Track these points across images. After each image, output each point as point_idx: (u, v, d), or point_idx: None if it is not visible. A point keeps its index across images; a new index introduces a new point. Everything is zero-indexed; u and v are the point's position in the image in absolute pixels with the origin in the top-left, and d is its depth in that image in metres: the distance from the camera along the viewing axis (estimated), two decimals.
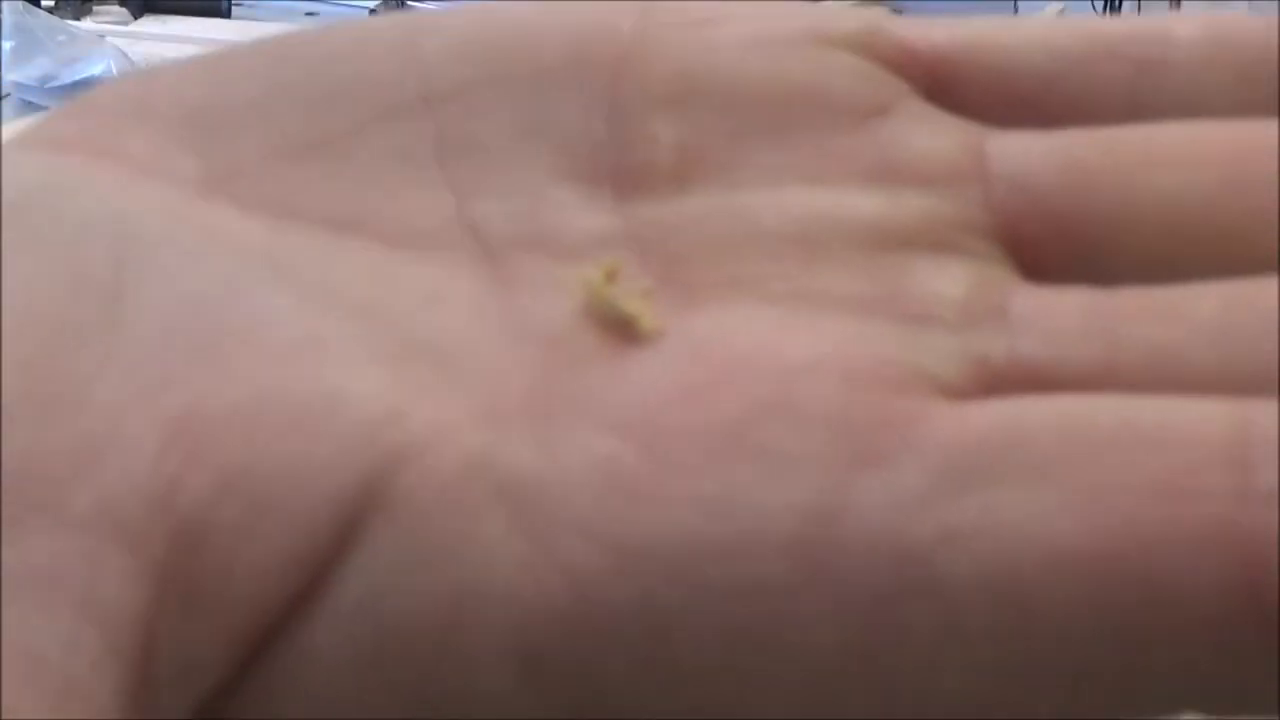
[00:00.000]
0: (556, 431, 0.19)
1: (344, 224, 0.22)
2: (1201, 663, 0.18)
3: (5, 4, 1.62)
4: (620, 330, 0.20)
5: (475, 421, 0.19)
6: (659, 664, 0.18)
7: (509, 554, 0.18)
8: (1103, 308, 0.21)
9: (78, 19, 1.83)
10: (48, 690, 0.17)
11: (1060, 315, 0.20)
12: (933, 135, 0.22)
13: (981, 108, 0.22)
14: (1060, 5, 1.89)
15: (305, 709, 0.19)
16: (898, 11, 1.97)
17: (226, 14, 1.98)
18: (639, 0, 0.23)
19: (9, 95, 1.59)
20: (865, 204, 0.21)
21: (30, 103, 1.57)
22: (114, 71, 1.57)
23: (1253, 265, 0.21)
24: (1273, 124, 0.22)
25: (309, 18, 2.00)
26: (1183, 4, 2.00)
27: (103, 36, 1.68)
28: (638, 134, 0.22)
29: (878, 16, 0.23)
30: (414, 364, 0.20)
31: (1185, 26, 0.23)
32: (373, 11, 1.99)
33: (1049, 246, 0.21)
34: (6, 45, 1.60)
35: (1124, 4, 2.00)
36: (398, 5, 2.02)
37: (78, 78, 1.57)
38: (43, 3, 1.81)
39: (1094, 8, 1.98)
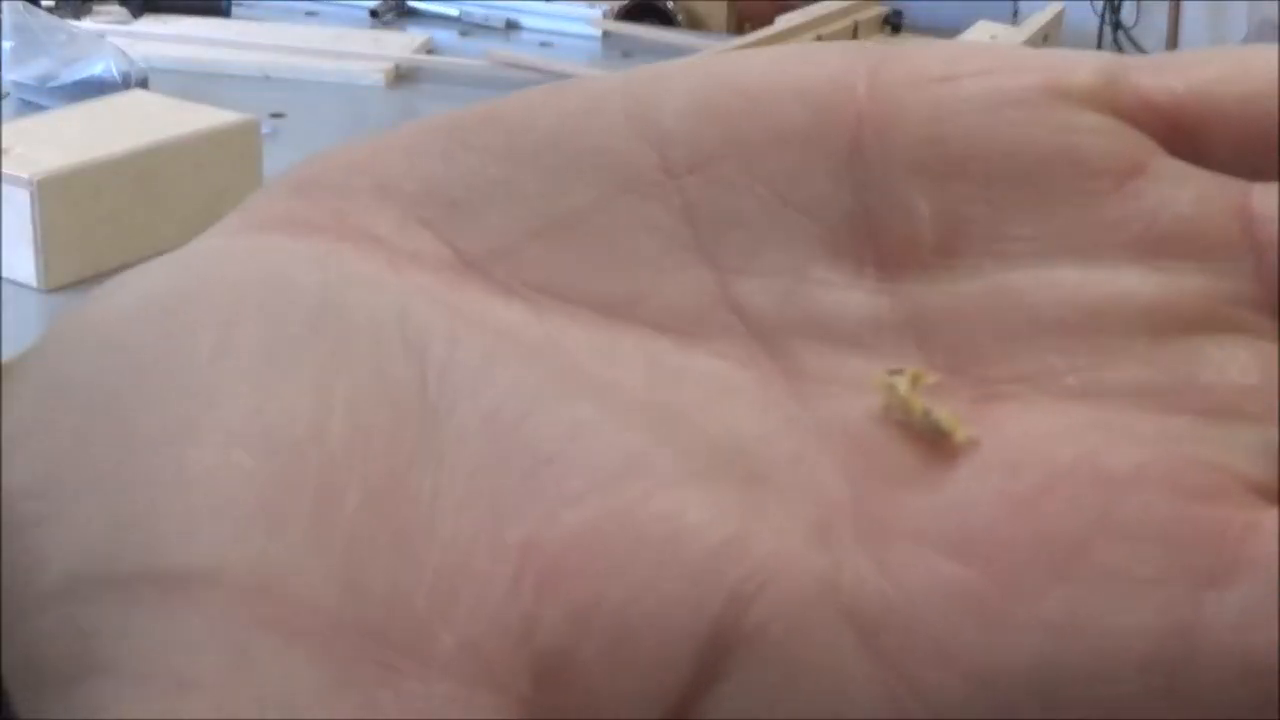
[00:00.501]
0: (893, 552, 0.20)
1: (609, 307, 0.22)
2: None
3: (5, 4, 1.62)
4: (932, 440, 0.21)
5: (810, 543, 0.20)
6: None
7: (865, 679, 0.19)
8: None
9: (78, 19, 1.83)
10: None
11: None
12: (1196, 199, 0.22)
13: (1226, 157, 0.22)
14: (1060, 5, 1.89)
15: None
16: (897, 12, 1.97)
17: (226, 13, 1.98)
18: (866, 54, 0.23)
19: (9, 95, 1.59)
20: (1141, 286, 0.21)
21: (30, 102, 1.57)
22: (114, 71, 1.57)
23: None
24: None
25: (309, 17, 2.00)
26: (1183, 4, 2.00)
27: (103, 36, 1.68)
28: (893, 205, 0.22)
29: (1111, 65, 0.23)
30: (731, 479, 0.20)
31: None
32: (373, 13, 1.99)
33: None
34: (6, 45, 1.59)
35: (1124, 4, 2.00)
36: (398, 5, 2.01)
37: (78, 78, 1.57)
38: (43, 3, 1.80)
39: (1094, 8, 1.98)
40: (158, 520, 0.18)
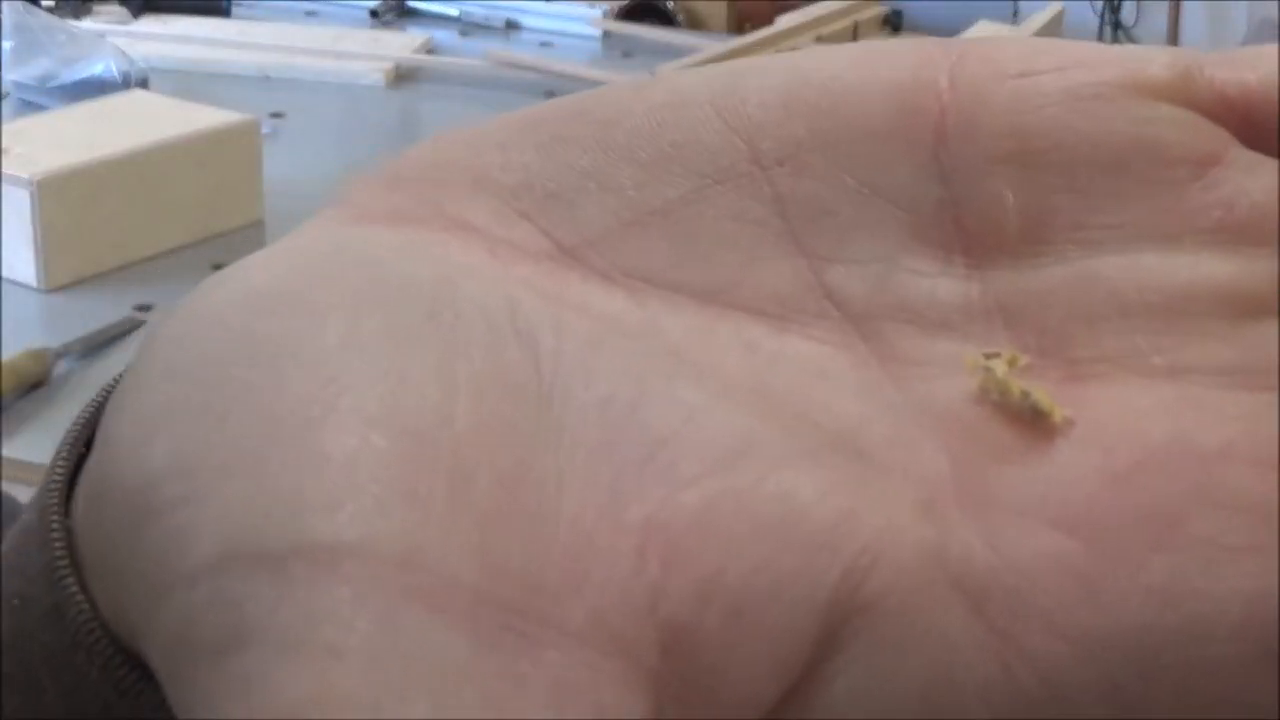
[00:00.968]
0: (998, 525, 0.21)
1: (705, 294, 0.23)
2: None
3: (5, 4, 1.62)
4: (1029, 419, 0.22)
5: (918, 518, 0.21)
6: None
7: (974, 644, 0.20)
8: None
9: (78, 19, 1.83)
10: None
11: None
12: (1269, 188, 0.23)
13: None
14: (1060, 5, 1.89)
15: None
16: (897, 12, 1.97)
17: (226, 13, 1.98)
18: (945, 49, 0.24)
19: (9, 95, 1.59)
20: (1221, 269, 0.22)
21: (30, 102, 1.57)
22: (114, 71, 1.57)
23: None
24: None
25: (309, 17, 2.00)
26: (1183, 4, 2.00)
27: (103, 36, 1.68)
28: (980, 194, 0.23)
29: (1185, 59, 0.24)
30: (837, 457, 0.21)
31: None
32: (373, 13, 1.99)
33: None
34: (6, 45, 1.59)
35: (1123, 4, 2.00)
36: (398, 5, 2.01)
37: (78, 77, 1.57)
38: (43, 3, 1.80)
39: (1093, 8, 1.98)
40: (303, 499, 0.19)
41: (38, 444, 1.01)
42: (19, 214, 1.21)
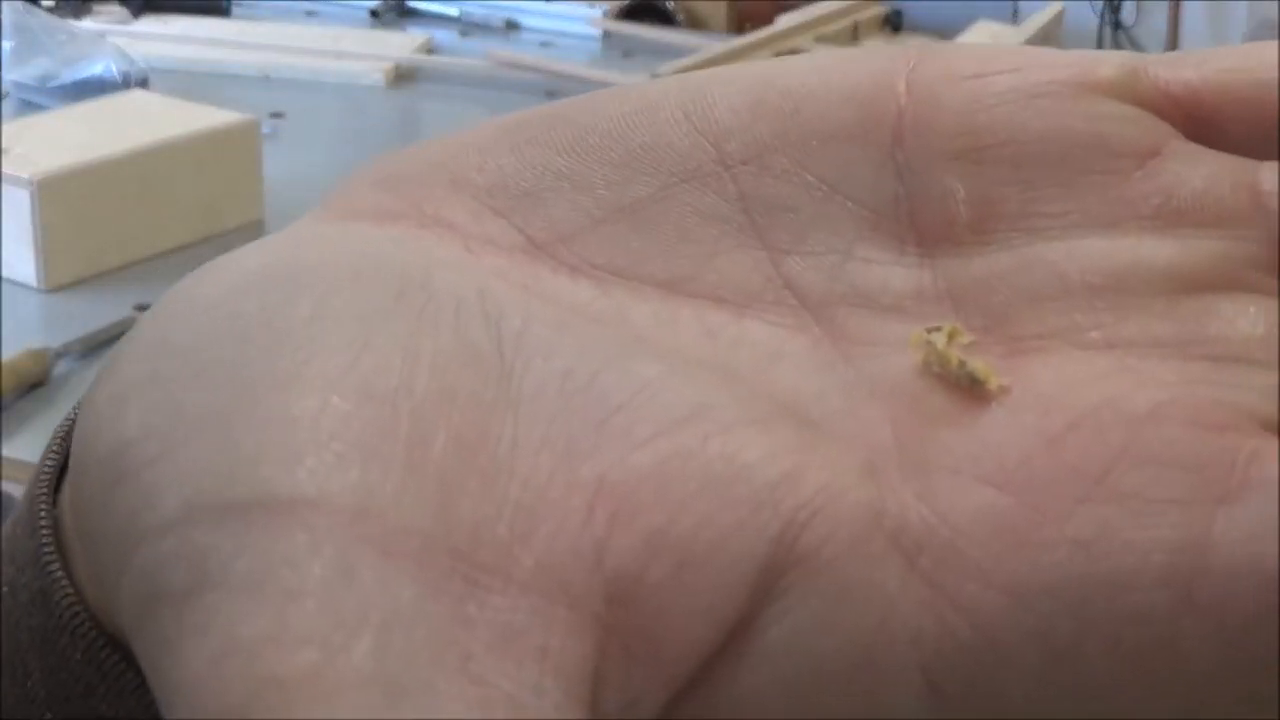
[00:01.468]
0: (934, 484, 0.22)
1: (669, 284, 0.24)
2: None
3: (5, 4, 1.62)
4: (968, 388, 0.23)
5: (858, 477, 0.22)
6: (1055, 688, 0.21)
7: (910, 597, 0.21)
8: None
9: (78, 19, 1.83)
10: None
11: None
12: (1208, 175, 0.24)
13: (1239, 140, 0.24)
14: (1060, 5, 1.89)
15: None
16: (897, 12, 1.97)
17: (226, 13, 1.98)
18: (904, 55, 0.25)
19: (9, 95, 1.59)
20: (1160, 251, 0.24)
21: (30, 102, 1.57)
22: (114, 71, 1.57)
23: None
24: None
25: (309, 17, 2.00)
26: (1183, 4, 2.00)
27: (103, 36, 1.68)
28: (933, 189, 0.24)
29: (1132, 60, 0.25)
30: (785, 425, 0.22)
31: None
32: (373, 13, 1.99)
33: None
34: (6, 45, 1.59)
35: (1124, 4, 2.00)
36: (398, 5, 2.02)
37: (78, 77, 1.57)
38: (43, 3, 1.80)
39: (1093, 8, 1.98)
40: (265, 454, 0.20)
41: (38, 444, 1.01)
42: (19, 214, 1.21)
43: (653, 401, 0.22)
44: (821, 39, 1.79)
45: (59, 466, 0.25)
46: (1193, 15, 2.01)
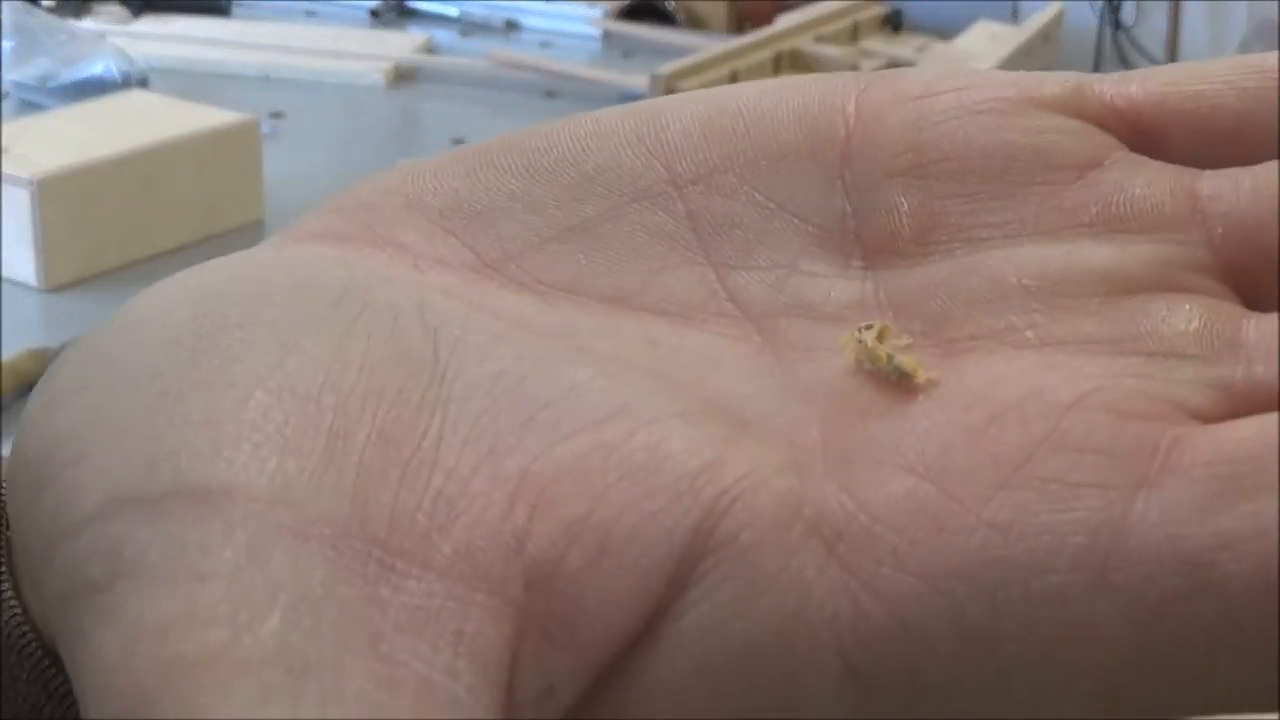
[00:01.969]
0: (855, 474, 0.22)
1: (613, 299, 0.24)
2: None
3: (5, 4, 1.62)
4: (897, 383, 0.23)
5: (781, 469, 0.22)
6: (972, 670, 0.21)
7: (828, 583, 0.21)
8: None
9: (78, 19, 1.83)
10: (436, 709, 0.20)
11: None
12: (1148, 183, 0.24)
13: (1184, 151, 0.24)
14: (1060, 5, 1.89)
15: None
16: (897, 12, 1.97)
17: (226, 13, 1.98)
18: (853, 79, 0.26)
19: (9, 95, 1.59)
20: (1097, 254, 0.24)
21: (30, 102, 1.57)
22: (114, 71, 1.57)
23: None
24: None
25: (309, 17, 2.00)
26: (1183, 4, 2.00)
27: (103, 36, 1.68)
28: (878, 205, 0.25)
29: (1077, 77, 0.25)
30: (713, 422, 0.22)
31: None
32: (373, 13, 1.99)
33: (1267, 277, 0.23)
34: (6, 45, 1.60)
35: (1123, 4, 2.00)
36: (398, 5, 2.02)
37: (78, 77, 1.57)
38: (43, 3, 1.80)
39: (1093, 8, 1.98)
40: (185, 447, 0.21)
41: None
42: (19, 214, 1.21)
43: (580, 400, 0.22)
44: (821, 39, 1.79)
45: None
46: (1193, 15, 2.01)
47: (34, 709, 0.24)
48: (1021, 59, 1.71)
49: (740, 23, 2.01)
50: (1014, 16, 1.96)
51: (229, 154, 1.34)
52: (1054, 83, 0.25)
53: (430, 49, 1.88)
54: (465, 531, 0.21)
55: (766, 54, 1.71)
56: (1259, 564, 0.20)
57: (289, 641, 0.19)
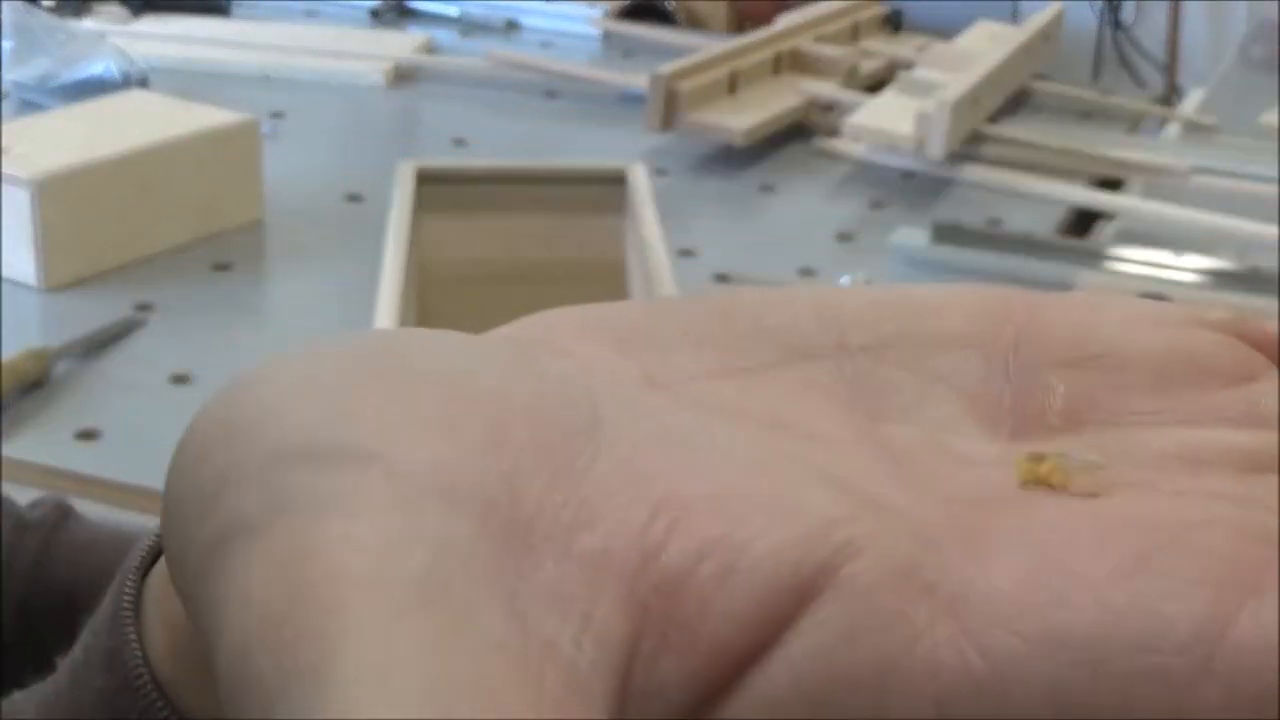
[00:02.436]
0: (980, 548, 0.23)
1: (765, 423, 0.26)
2: None
3: (5, 4, 1.62)
4: (1055, 488, 0.24)
5: (909, 536, 0.23)
6: None
7: (936, 634, 0.22)
8: None
9: (78, 19, 1.83)
10: (558, 672, 0.21)
11: None
12: None
13: None
14: (1060, 5, 1.89)
15: None
16: (897, 12, 1.97)
17: (226, 13, 1.98)
18: (1022, 293, 0.28)
19: (9, 95, 1.59)
20: (1237, 437, 0.26)
21: (30, 102, 1.57)
22: (114, 71, 1.57)
23: None
24: None
25: (309, 17, 2.00)
26: (1183, 4, 2.00)
27: (103, 36, 1.68)
28: (1034, 385, 0.26)
29: (1242, 310, 0.27)
30: (850, 495, 0.24)
31: None
32: (373, 13, 1.99)
33: None
34: (6, 45, 1.59)
35: (1123, 4, 2.00)
36: (398, 5, 2.01)
37: (78, 77, 1.57)
38: (43, 3, 1.80)
39: (1093, 8, 1.98)
40: (355, 416, 0.23)
41: (38, 444, 1.01)
42: (19, 214, 1.21)
43: (730, 452, 0.24)
44: (821, 39, 1.79)
45: (155, 548, 0.27)
46: (1193, 15, 2.01)
47: None
48: (1021, 59, 1.71)
49: (740, 23, 2.00)
50: (1014, 16, 1.96)
51: (229, 154, 1.34)
52: (1220, 309, 0.27)
53: (430, 49, 1.87)
54: (606, 533, 0.22)
55: (766, 54, 1.70)
56: None
57: (430, 574, 0.21)
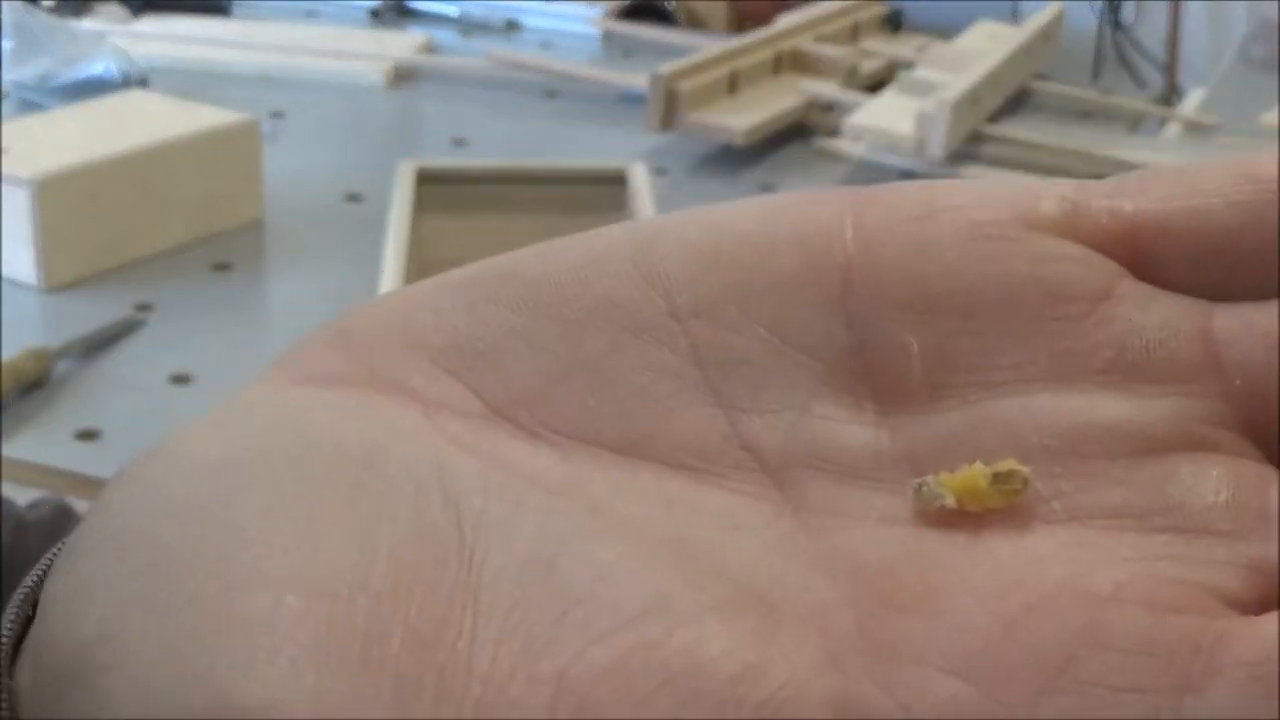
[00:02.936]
0: (897, 675, 0.21)
1: (626, 447, 0.24)
2: None
3: (5, 4, 1.62)
4: (946, 520, 0.23)
5: (820, 668, 0.22)
6: None
7: None
8: None
9: (78, 18, 1.83)
10: None
11: None
12: (1161, 325, 0.24)
13: (1184, 273, 0.24)
14: (1060, 5, 1.89)
15: None
16: (897, 12, 1.97)
17: (226, 13, 1.98)
18: (852, 198, 0.25)
19: (9, 95, 1.59)
20: (1116, 410, 0.23)
21: (30, 102, 1.57)
22: (114, 71, 1.57)
23: None
24: None
25: (309, 17, 2.00)
26: (1183, 4, 2.00)
27: (103, 36, 1.68)
28: (885, 343, 0.24)
29: (1072, 193, 0.25)
30: (746, 614, 0.22)
31: None
32: (373, 13, 1.99)
33: None
34: (6, 45, 1.59)
35: (1124, 4, 2.00)
36: (398, 5, 2.01)
37: (78, 78, 1.57)
38: (43, 3, 1.80)
39: (1093, 8, 1.98)
40: (220, 661, 0.21)
41: (38, 444, 1.01)
42: (19, 214, 1.21)
43: (612, 591, 0.22)
44: (821, 39, 1.79)
45: (17, 636, 0.25)
46: (1193, 15, 2.01)
47: None
48: (1021, 59, 1.71)
49: (740, 23, 2.00)
50: (1014, 16, 1.96)
51: (229, 154, 1.34)
52: (1050, 201, 0.24)
53: (430, 49, 1.87)
54: None
55: (766, 54, 1.70)
56: None
57: None
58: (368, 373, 0.24)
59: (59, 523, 0.67)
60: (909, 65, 1.75)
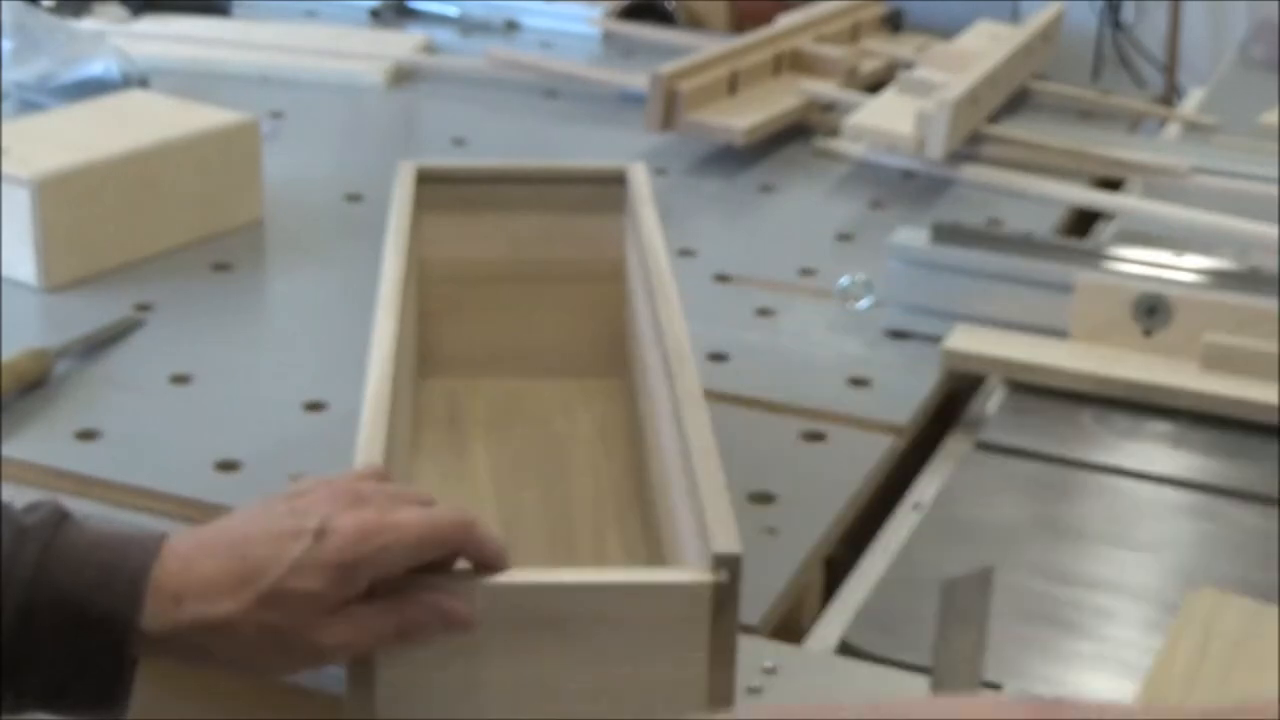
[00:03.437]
0: None
1: None
2: None
3: (5, 4, 1.62)
4: None
5: None
6: None
7: None
8: None
9: (78, 18, 1.83)
10: None
11: None
12: None
13: None
14: (1060, 5, 1.89)
15: None
16: (897, 12, 1.97)
17: (226, 13, 1.98)
18: None
19: (9, 95, 1.59)
20: None
21: (30, 102, 1.57)
22: (114, 71, 1.57)
23: None
24: None
25: (309, 17, 2.00)
26: (1183, 4, 2.00)
27: (103, 36, 1.68)
28: None
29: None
30: None
31: None
32: (373, 13, 1.99)
33: None
34: (6, 45, 1.59)
35: (1123, 4, 2.00)
36: (398, 5, 2.01)
37: (78, 78, 1.57)
38: (43, 3, 1.80)
39: (1093, 8, 1.98)
40: None
41: (38, 444, 1.01)
42: (19, 214, 1.21)
43: None
44: (821, 39, 1.79)
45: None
46: (1193, 15, 2.01)
47: None
48: (1021, 59, 1.71)
49: (740, 23, 2.00)
50: (1014, 16, 1.96)
51: (229, 154, 1.34)
52: None
53: (430, 49, 1.87)
54: None
55: (766, 54, 1.70)
56: None
57: None
58: None
59: (57, 528, 0.67)
60: (909, 65, 1.75)
